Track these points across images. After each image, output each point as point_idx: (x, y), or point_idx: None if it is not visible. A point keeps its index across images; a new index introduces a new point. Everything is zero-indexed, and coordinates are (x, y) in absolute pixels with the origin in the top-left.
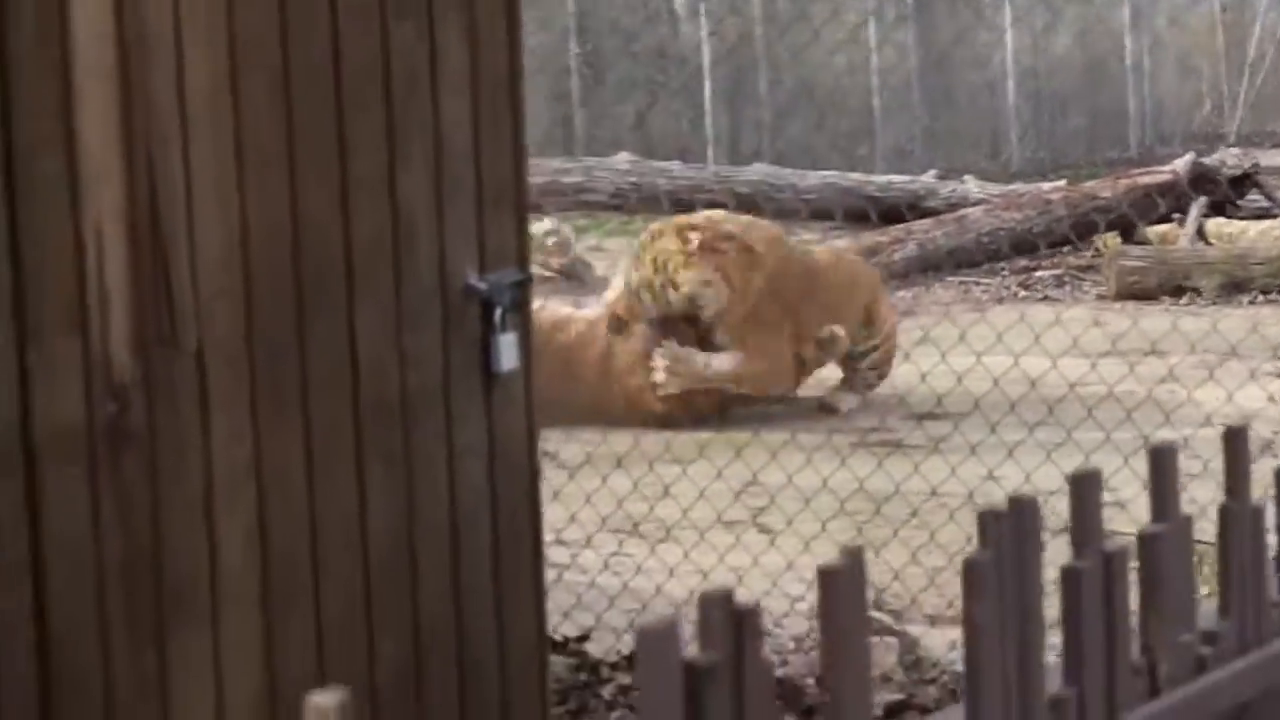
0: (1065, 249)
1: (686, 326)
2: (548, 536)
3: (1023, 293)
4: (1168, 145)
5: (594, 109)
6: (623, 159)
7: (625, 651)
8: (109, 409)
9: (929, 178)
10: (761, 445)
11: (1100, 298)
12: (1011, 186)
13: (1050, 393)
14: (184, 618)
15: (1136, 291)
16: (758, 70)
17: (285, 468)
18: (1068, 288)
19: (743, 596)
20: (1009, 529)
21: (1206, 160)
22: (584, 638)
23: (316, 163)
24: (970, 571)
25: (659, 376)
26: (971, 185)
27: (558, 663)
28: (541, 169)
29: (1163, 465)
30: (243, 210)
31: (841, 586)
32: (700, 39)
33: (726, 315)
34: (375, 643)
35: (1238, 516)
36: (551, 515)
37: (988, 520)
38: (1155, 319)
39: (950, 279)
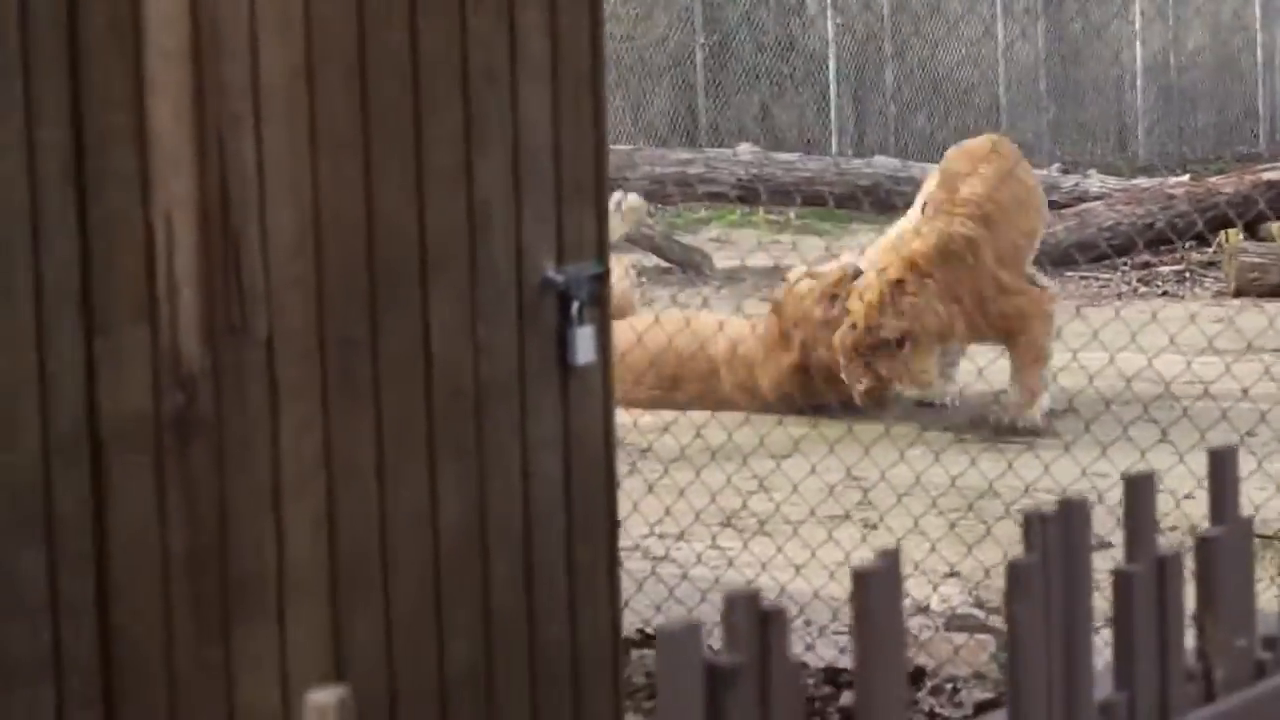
0: (1188, 244)
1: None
2: (642, 529)
3: (1142, 288)
4: None
5: (718, 100)
6: (745, 150)
7: (715, 646)
8: (177, 399)
9: (1052, 171)
10: (870, 437)
11: (1219, 294)
12: (1135, 181)
13: (1182, 390)
14: (250, 610)
15: (1257, 288)
16: (884, 63)
17: (355, 459)
18: (1188, 283)
19: (833, 591)
20: (1057, 531)
21: None
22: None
23: (392, 152)
24: (1014, 574)
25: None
26: (1094, 179)
27: (648, 657)
28: (664, 159)
29: (1222, 467)
30: (316, 199)
31: (877, 588)
32: (828, 34)
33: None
34: (445, 638)
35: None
36: (646, 508)
37: (1033, 523)
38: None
39: (1070, 273)
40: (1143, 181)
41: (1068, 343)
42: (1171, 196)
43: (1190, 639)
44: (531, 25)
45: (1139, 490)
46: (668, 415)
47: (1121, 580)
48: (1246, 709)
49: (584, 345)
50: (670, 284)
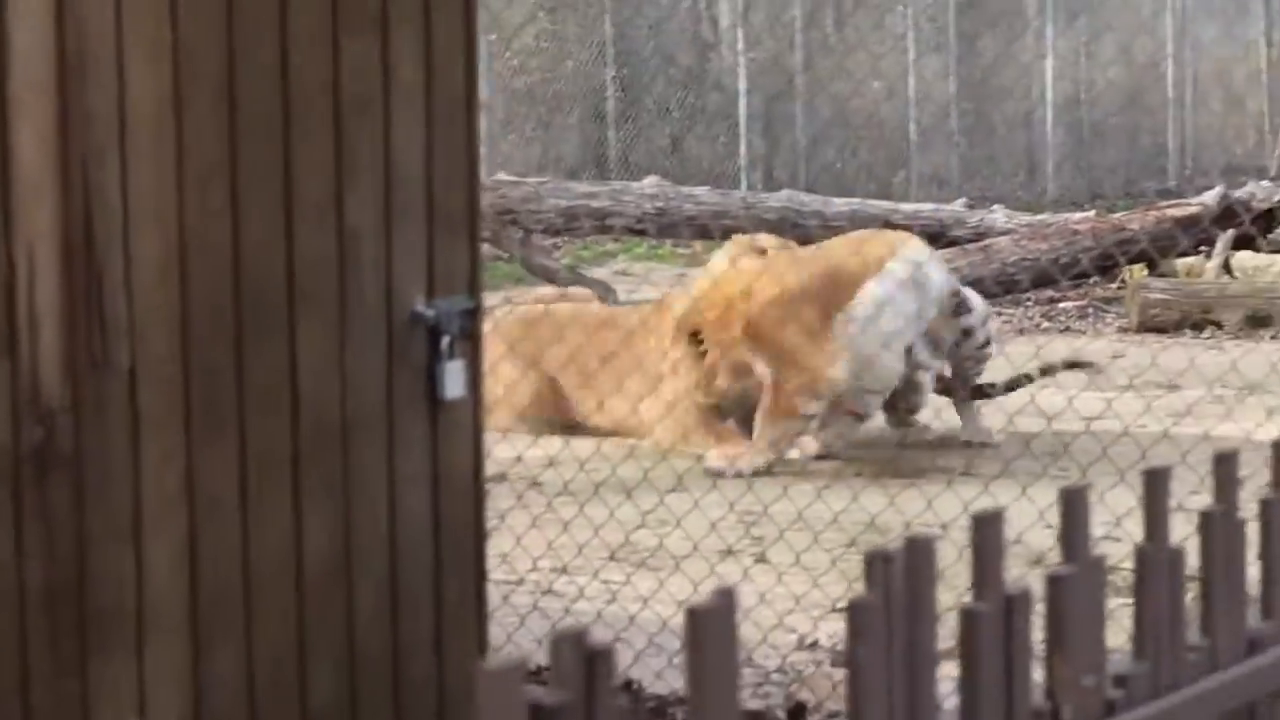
0: (1093, 280)
1: None
2: (527, 563)
3: (1045, 324)
4: (1207, 178)
5: (630, 133)
6: (650, 183)
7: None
8: (36, 433)
9: (957, 206)
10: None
11: (1122, 330)
12: (1040, 216)
13: (1066, 428)
14: (108, 643)
15: (1158, 324)
16: (795, 97)
17: (218, 492)
18: (1090, 319)
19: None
20: (901, 570)
21: (1237, 193)
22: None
23: (261, 181)
24: (855, 614)
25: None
26: (999, 215)
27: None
28: (569, 192)
29: (1074, 508)
30: (181, 229)
31: (711, 627)
32: (739, 67)
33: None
34: (308, 673)
35: (1154, 559)
36: (530, 542)
37: (875, 562)
38: (1173, 353)
39: None
40: (1048, 217)
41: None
42: (1076, 232)
43: (1041, 677)
44: (405, 53)
45: (986, 528)
46: (554, 448)
47: (968, 619)
48: None
49: (453, 380)
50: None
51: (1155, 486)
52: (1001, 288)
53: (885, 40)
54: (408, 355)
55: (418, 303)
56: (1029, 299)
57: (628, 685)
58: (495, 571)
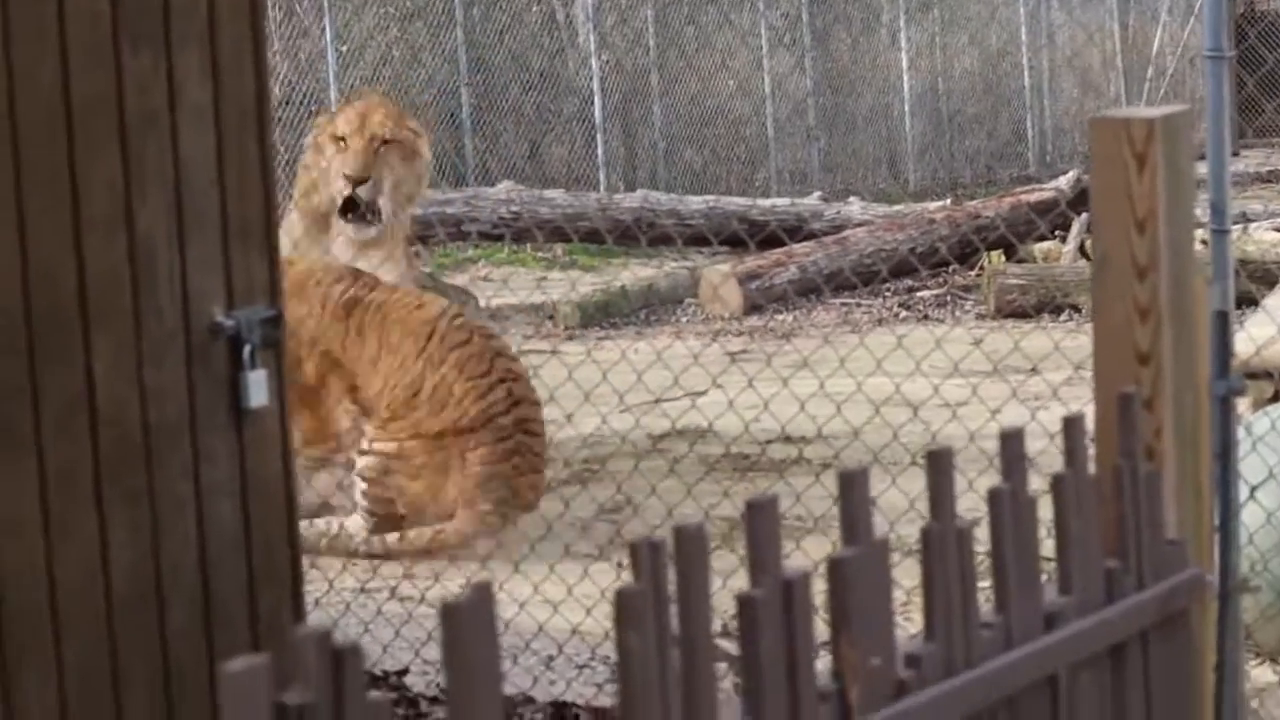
0: (950, 269)
1: None
2: (396, 571)
3: (904, 313)
4: (1069, 163)
5: (486, 139)
6: (503, 188)
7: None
8: None
9: (813, 200)
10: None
11: (980, 317)
12: (897, 207)
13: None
14: None
15: (1016, 310)
16: (652, 97)
17: (18, 513)
18: (949, 308)
19: (590, 627)
20: (677, 557)
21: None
22: (404, 672)
23: (46, 199)
24: (623, 601)
25: None
26: (855, 207)
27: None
28: (424, 200)
29: (852, 489)
30: None
31: (468, 621)
32: (593, 69)
33: None
34: (121, 692)
35: (941, 537)
36: None
37: (641, 551)
38: (1033, 339)
39: (832, 301)
40: (903, 208)
41: (816, 370)
42: (932, 221)
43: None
44: (191, 68)
45: (760, 515)
46: None
47: (745, 604)
48: None
49: (257, 389)
50: None
51: (939, 466)
52: (860, 279)
53: (736, 37)
54: (209, 366)
55: (217, 313)
56: (888, 289)
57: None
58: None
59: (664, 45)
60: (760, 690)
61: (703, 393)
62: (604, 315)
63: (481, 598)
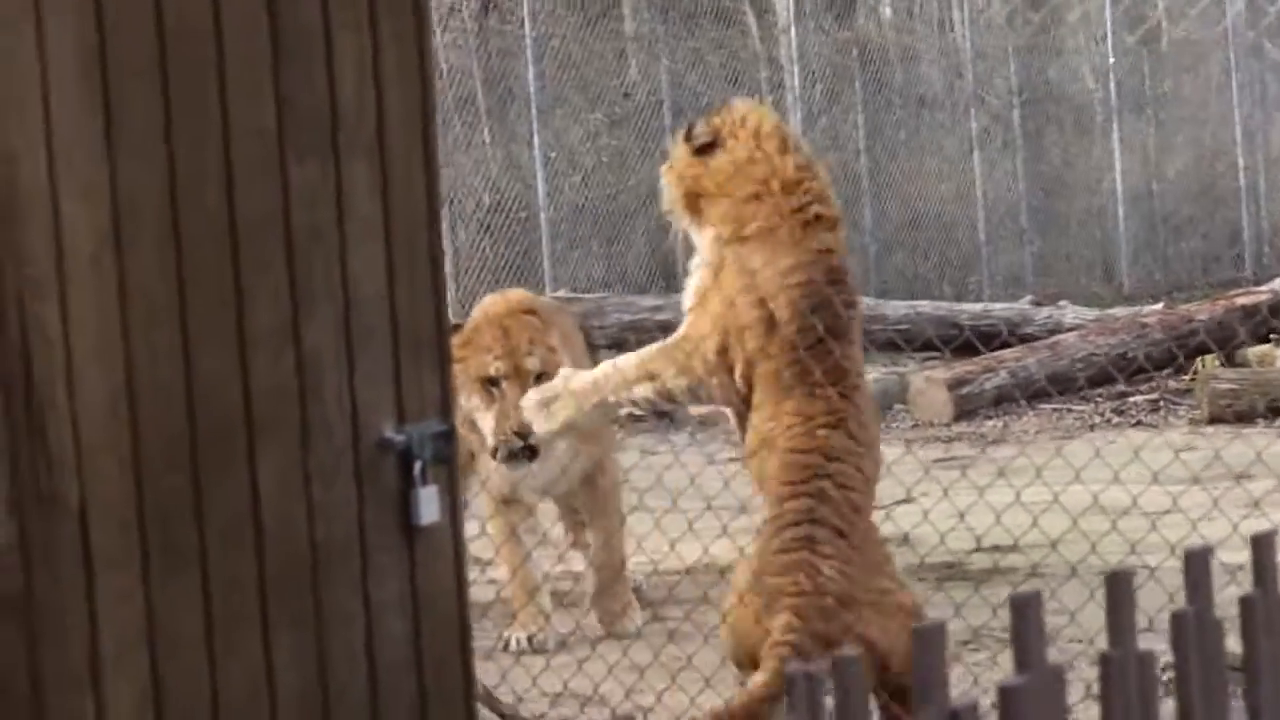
0: (1164, 372)
1: None
2: None
3: (1116, 419)
4: None
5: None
6: None
7: None
8: None
9: (1024, 304)
10: None
11: (1193, 422)
12: (1110, 311)
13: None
14: None
15: (1230, 415)
16: (861, 201)
17: (181, 630)
18: (1162, 412)
19: None
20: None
21: None
22: None
23: (211, 315)
24: None
25: None
26: (1068, 311)
27: None
28: (633, 306)
29: (1026, 615)
30: (129, 364)
31: None
32: None
33: None
34: None
35: (1121, 664)
36: None
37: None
38: (1240, 445)
39: (1044, 406)
40: (1117, 312)
41: (1016, 479)
42: (1145, 325)
43: None
44: (359, 180)
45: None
46: None
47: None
48: None
49: (428, 505)
50: (642, 430)
51: (1118, 589)
52: (1071, 384)
53: (948, 139)
54: (378, 482)
55: (386, 429)
56: (1099, 394)
57: None
58: None
59: (874, 148)
60: None
61: (908, 501)
62: None
63: None
